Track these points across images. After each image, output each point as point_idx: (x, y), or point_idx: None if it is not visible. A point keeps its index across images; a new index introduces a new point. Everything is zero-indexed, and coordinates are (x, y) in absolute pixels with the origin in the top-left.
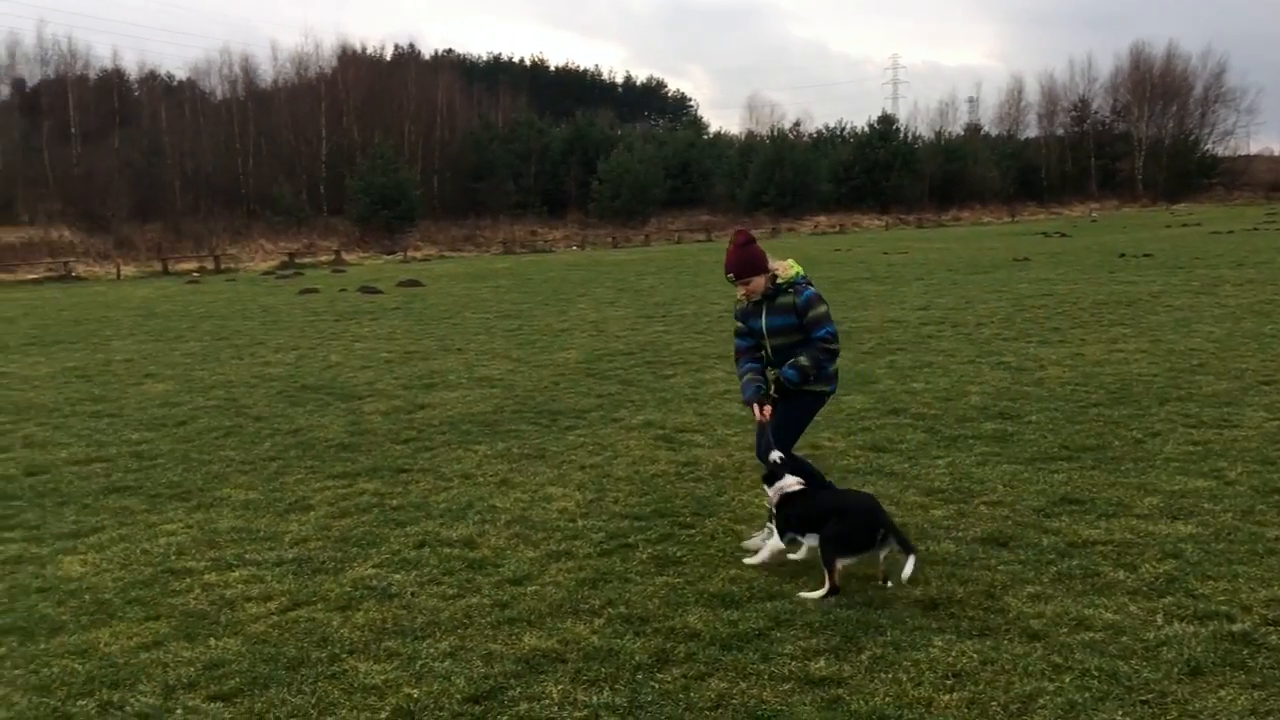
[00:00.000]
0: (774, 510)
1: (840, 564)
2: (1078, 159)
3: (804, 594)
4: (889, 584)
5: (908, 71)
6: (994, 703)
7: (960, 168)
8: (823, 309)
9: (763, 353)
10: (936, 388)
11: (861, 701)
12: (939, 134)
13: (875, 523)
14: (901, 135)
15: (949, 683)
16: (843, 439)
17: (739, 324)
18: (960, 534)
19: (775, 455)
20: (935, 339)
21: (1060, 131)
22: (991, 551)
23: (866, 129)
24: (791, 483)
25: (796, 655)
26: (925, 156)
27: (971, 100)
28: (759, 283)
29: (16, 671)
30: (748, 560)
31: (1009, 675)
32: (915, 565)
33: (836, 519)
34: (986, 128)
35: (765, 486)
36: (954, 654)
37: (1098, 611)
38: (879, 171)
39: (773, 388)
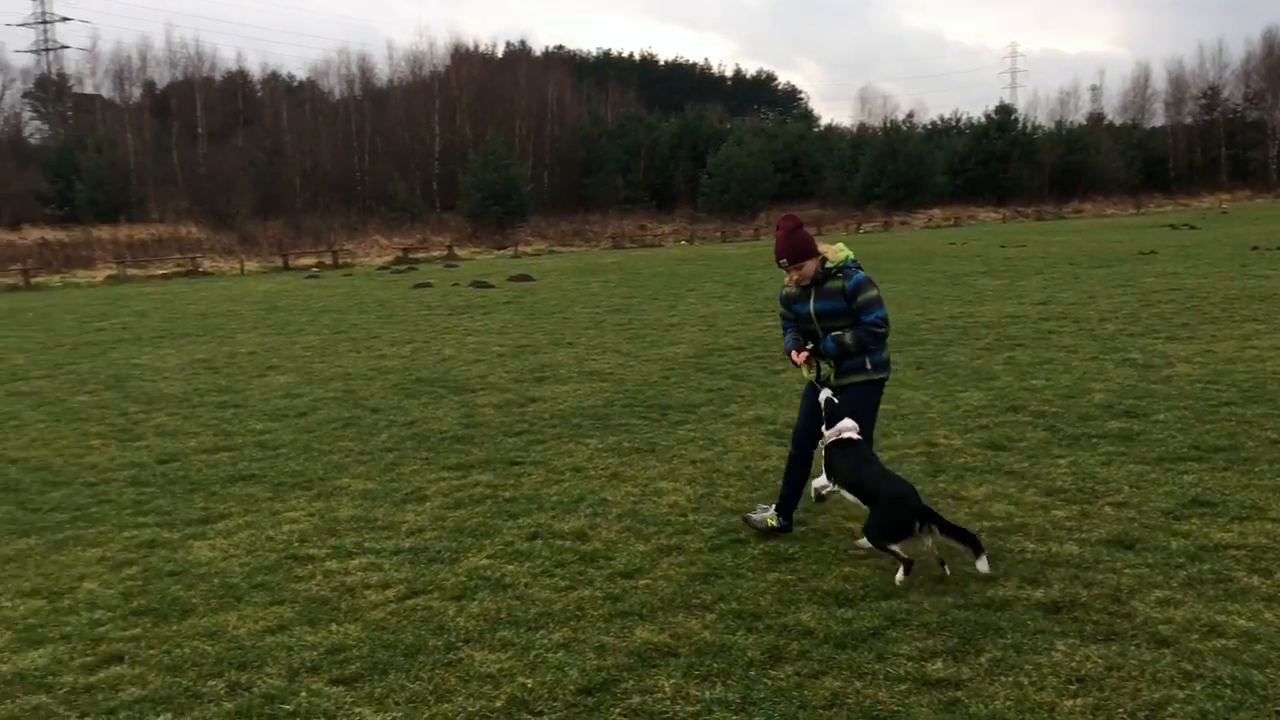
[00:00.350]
0: (824, 450)
1: (893, 547)
2: (1207, 148)
3: (899, 579)
4: (947, 569)
5: (1026, 60)
6: (1120, 709)
7: (1082, 158)
8: (873, 293)
9: (808, 337)
10: (1058, 385)
11: (981, 705)
12: (1059, 124)
13: (909, 511)
14: (1020, 125)
15: (1073, 688)
16: (959, 436)
17: (784, 310)
18: (1084, 535)
19: (826, 394)
20: (1056, 334)
21: (1189, 120)
22: (1117, 554)
23: (983, 119)
24: (848, 428)
25: (913, 656)
26: (1045, 147)
27: (1094, 88)
28: (810, 267)
29: (151, 651)
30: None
31: (1136, 682)
32: (987, 562)
33: (874, 508)
34: (1110, 117)
35: (823, 429)
36: (1078, 658)
37: (1230, 618)
38: (996, 163)
39: (831, 375)
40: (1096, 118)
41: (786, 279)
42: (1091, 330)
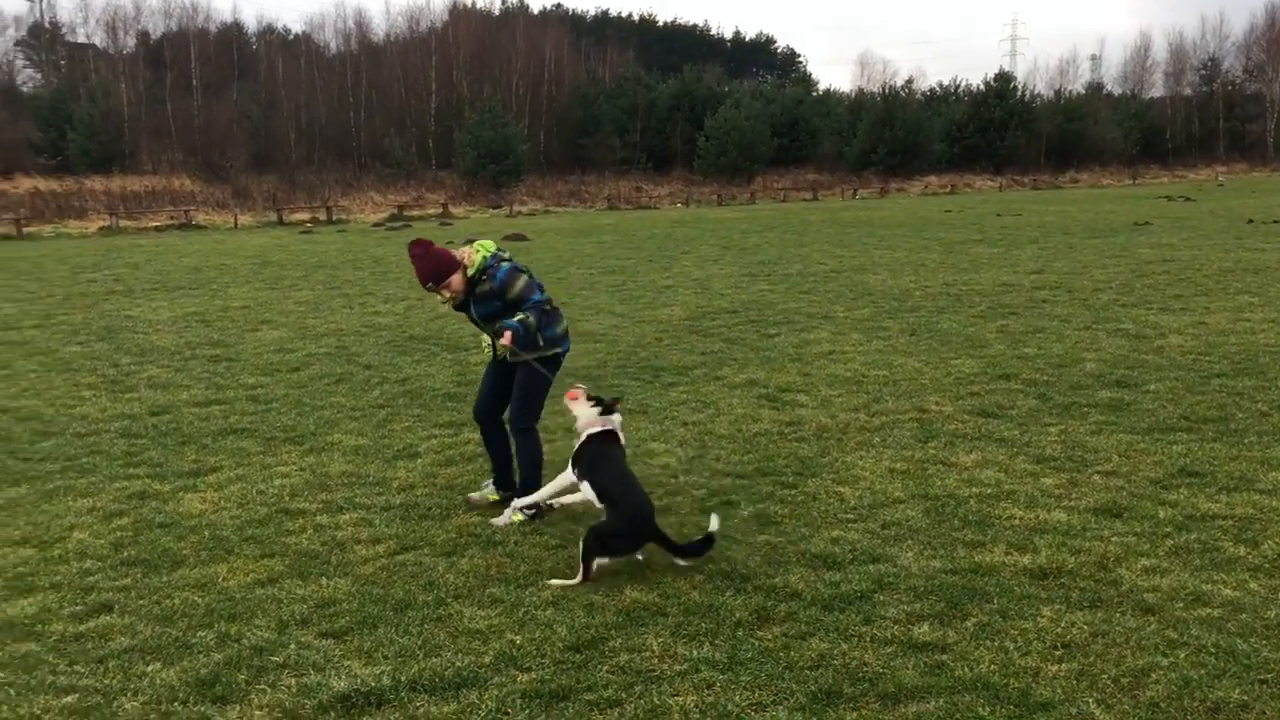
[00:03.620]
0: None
1: (598, 562)
2: (1205, 120)
3: (554, 581)
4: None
5: (1027, 28)
6: (1104, 675)
7: (1080, 128)
8: (521, 281)
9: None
10: (1050, 354)
11: (966, 668)
12: (1058, 93)
13: (644, 533)
14: (1018, 94)
15: (1058, 653)
16: (950, 403)
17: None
18: (1072, 503)
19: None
20: (1049, 304)
21: (1188, 91)
22: (1105, 522)
23: (982, 87)
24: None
25: (899, 619)
26: (1043, 116)
27: (1094, 58)
28: (457, 280)
29: (141, 601)
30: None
31: (1121, 648)
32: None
33: (610, 513)
34: (1109, 87)
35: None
36: (1063, 624)
37: (1216, 587)
38: (993, 131)
39: (507, 354)
40: (1095, 87)
41: (440, 299)
42: (1085, 300)
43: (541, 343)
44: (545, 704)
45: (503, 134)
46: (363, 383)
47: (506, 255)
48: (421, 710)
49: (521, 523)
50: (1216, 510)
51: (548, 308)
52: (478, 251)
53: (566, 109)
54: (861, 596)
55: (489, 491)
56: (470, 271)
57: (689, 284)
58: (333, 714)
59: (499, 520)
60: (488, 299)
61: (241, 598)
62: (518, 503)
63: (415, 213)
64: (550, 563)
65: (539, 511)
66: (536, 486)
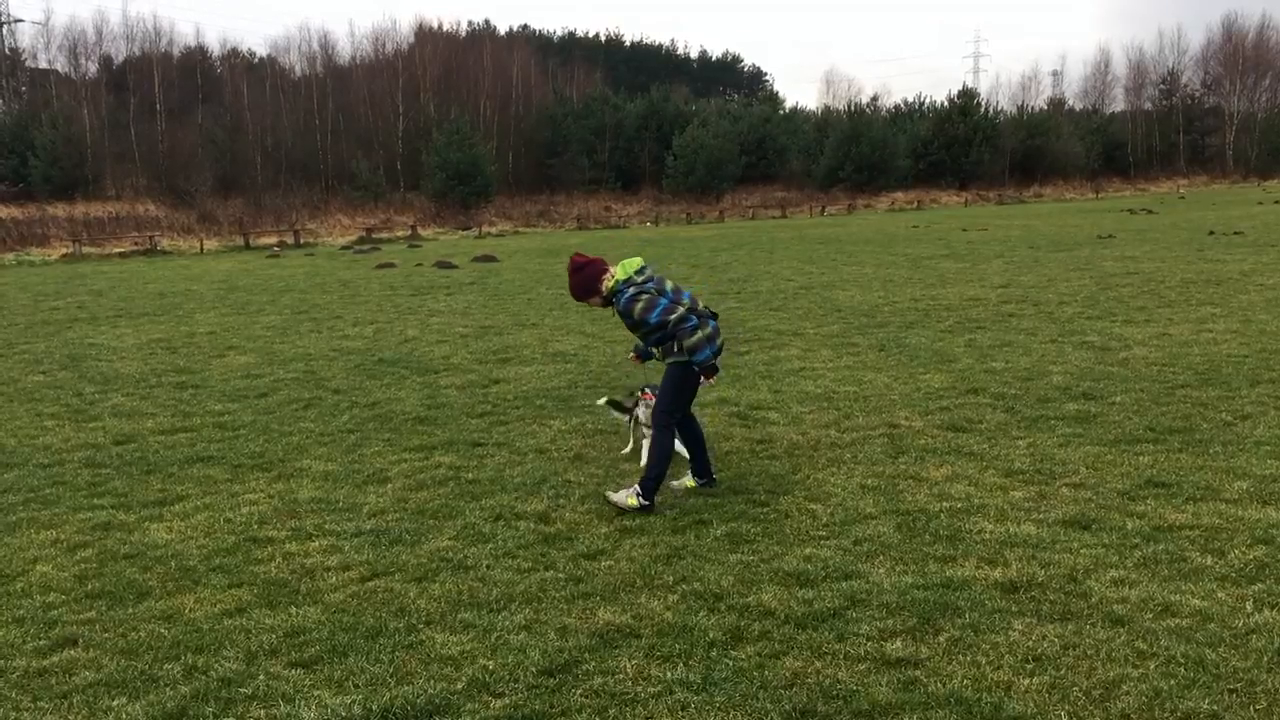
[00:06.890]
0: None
1: None
2: (1165, 134)
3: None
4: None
5: (990, 44)
6: (1075, 688)
7: (1043, 143)
8: (639, 305)
9: None
10: (1017, 367)
11: (939, 684)
12: (1021, 108)
13: None
14: (982, 110)
15: (1029, 666)
16: (920, 418)
17: None
18: (1041, 516)
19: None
20: (1016, 317)
21: (1148, 105)
22: (1074, 534)
23: (946, 104)
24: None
25: (872, 635)
26: (1006, 131)
27: (1055, 73)
28: (596, 300)
29: (105, 635)
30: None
31: (1091, 661)
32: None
33: None
34: (1071, 102)
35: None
36: (1034, 638)
37: (1184, 598)
38: (958, 147)
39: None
40: (1057, 103)
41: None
42: (1050, 313)
43: (676, 350)
44: None
45: (471, 155)
46: (332, 408)
47: (641, 278)
48: None
49: (636, 509)
50: (1183, 520)
51: (670, 318)
52: (613, 277)
53: (534, 129)
54: (835, 614)
55: (687, 480)
56: (605, 293)
57: None
58: None
59: (616, 496)
60: (623, 318)
61: (209, 629)
62: (638, 488)
63: (384, 235)
64: (522, 586)
65: (653, 504)
66: (658, 482)
